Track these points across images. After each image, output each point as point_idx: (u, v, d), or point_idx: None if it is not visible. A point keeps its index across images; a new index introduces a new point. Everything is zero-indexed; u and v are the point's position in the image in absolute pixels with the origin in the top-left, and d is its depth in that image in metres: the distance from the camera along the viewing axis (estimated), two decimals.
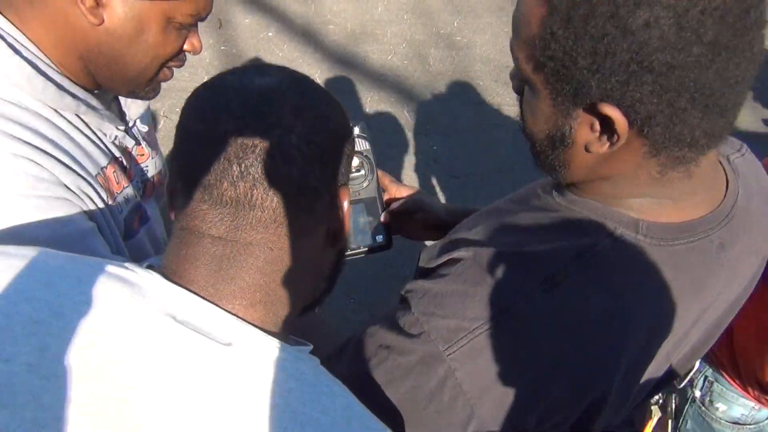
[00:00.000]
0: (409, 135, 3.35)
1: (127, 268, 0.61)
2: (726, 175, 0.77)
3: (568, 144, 0.68)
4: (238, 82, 0.64)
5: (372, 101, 3.52)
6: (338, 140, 0.66)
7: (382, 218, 1.05)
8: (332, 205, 0.66)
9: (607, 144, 0.65)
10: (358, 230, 1.03)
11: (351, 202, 0.99)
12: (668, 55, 0.58)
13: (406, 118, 3.45)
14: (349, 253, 1.02)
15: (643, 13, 0.57)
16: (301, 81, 0.66)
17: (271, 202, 0.60)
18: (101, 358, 0.54)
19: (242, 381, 0.56)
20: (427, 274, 0.75)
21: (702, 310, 0.77)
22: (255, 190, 0.60)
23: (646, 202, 0.70)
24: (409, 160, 3.22)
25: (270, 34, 3.89)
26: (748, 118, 3.58)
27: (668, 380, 0.90)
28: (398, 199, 1.10)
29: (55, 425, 0.51)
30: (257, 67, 0.66)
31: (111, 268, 0.60)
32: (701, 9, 0.57)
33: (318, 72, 3.63)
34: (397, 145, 3.29)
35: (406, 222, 1.09)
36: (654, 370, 0.79)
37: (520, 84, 0.72)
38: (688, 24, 0.57)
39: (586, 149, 0.67)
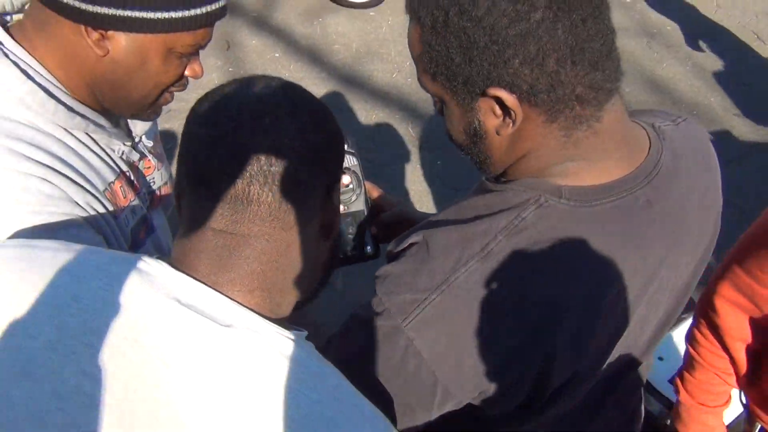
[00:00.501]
0: (413, 150, 3.42)
1: (139, 258, 0.67)
2: (650, 139, 0.83)
3: (482, 135, 0.77)
4: (236, 90, 0.70)
5: (377, 118, 3.60)
6: (329, 139, 0.72)
7: (370, 230, 1.10)
8: (325, 199, 0.72)
9: (511, 123, 0.74)
10: (348, 241, 1.08)
11: (341, 215, 1.05)
12: (515, 27, 0.68)
13: (410, 134, 3.51)
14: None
15: (483, 1, 0.68)
16: (293, 87, 0.72)
17: (267, 197, 0.66)
18: (115, 336, 0.60)
19: (241, 359, 0.61)
20: (393, 259, 0.82)
21: (653, 268, 0.82)
22: (252, 187, 0.65)
23: (566, 168, 0.77)
24: (413, 175, 3.28)
25: (276, 54, 3.98)
26: (745, 129, 3.62)
27: (646, 347, 0.95)
28: (385, 210, 1.17)
29: (74, 397, 0.57)
30: (253, 77, 0.73)
31: (125, 258, 0.67)
32: None
33: (324, 91, 3.71)
34: (401, 160, 3.35)
35: (392, 232, 1.15)
36: (615, 329, 0.83)
37: (439, 104, 0.81)
38: None
39: (498, 134, 0.76)
